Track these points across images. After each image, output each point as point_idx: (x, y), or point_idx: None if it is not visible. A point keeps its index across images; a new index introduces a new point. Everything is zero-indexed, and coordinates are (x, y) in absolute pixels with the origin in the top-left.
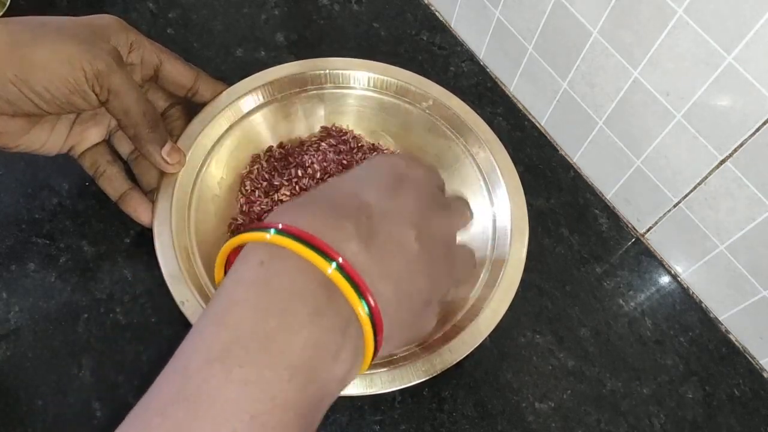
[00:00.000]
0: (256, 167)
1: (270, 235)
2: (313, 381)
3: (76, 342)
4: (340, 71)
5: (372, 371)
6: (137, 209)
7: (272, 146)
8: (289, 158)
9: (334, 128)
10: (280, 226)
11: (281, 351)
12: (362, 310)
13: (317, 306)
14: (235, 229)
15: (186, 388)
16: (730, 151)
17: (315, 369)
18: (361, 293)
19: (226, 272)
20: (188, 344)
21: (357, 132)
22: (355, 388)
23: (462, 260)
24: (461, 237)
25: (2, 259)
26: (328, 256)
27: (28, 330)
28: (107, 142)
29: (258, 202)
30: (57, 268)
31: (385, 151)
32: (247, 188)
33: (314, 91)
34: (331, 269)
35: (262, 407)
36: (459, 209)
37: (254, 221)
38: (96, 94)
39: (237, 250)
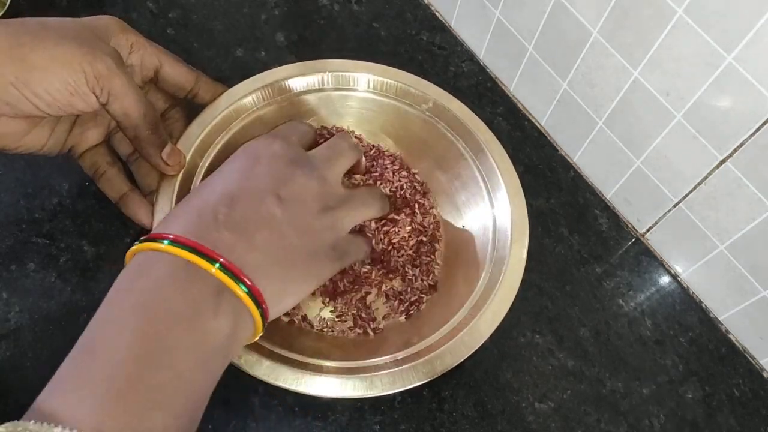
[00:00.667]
0: None
1: (164, 245)
2: (193, 329)
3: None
4: (341, 73)
5: (372, 373)
6: (137, 211)
7: None
8: None
9: (335, 128)
10: (172, 236)
11: (161, 311)
12: (240, 290)
13: (184, 280)
14: None
15: (87, 343)
16: (730, 151)
17: (194, 319)
18: (236, 277)
19: None
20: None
21: (357, 133)
22: (355, 390)
23: (359, 199)
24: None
25: (2, 259)
26: (210, 258)
27: (28, 330)
28: (107, 143)
29: None
30: (57, 268)
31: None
32: None
33: (314, 93)
34: (214, 269)
35: (150, 346)
36: (325, 154)
37: None
38: (96, 96)
39: None
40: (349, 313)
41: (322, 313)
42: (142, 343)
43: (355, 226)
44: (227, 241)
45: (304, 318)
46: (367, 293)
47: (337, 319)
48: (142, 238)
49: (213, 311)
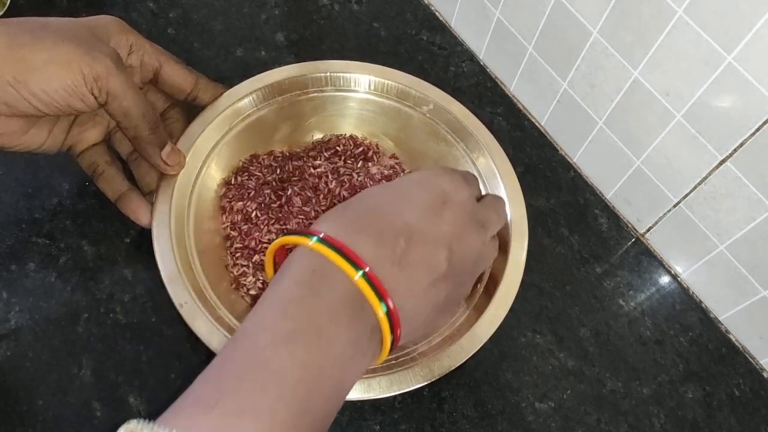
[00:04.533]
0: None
1: (312, 242)
2: (346, 368)
3: (76, 342)
4: (341, 74)
5: (371, 375)
6: (136, 210)
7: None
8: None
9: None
10: (322, 234)
11: (330, 343)
12: (381, 311)
13: (354, 313)
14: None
15: (256, 361)
16: (730, 151)
17: (349, 360)
18: (381, 297)
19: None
20: (252, 326)
21: (358, 134)
22: (353, 392)
23: (489, 256)
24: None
25: (2, 259)
26: (357, 266)
27: (28, 330)
28: (106, 143)
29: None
30: (57, 268)
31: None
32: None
33: (314, 94)
34: (357, 276)
35: (313, 384)
36: (494, 217)
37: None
38: (95, 97)
39: (282, 248)
40: None
41: None
42: (305, 384)
43: None
44: (395, 277)
45: None
46: None
47: None
48: (322, 236)
49: (363, 352)
